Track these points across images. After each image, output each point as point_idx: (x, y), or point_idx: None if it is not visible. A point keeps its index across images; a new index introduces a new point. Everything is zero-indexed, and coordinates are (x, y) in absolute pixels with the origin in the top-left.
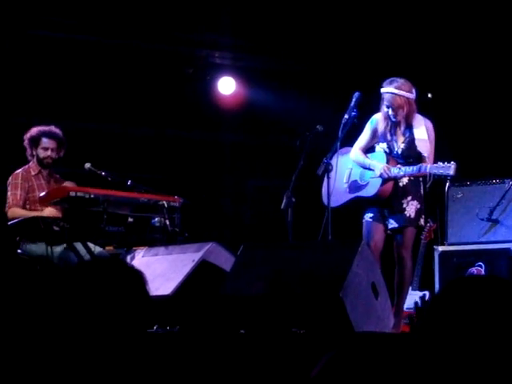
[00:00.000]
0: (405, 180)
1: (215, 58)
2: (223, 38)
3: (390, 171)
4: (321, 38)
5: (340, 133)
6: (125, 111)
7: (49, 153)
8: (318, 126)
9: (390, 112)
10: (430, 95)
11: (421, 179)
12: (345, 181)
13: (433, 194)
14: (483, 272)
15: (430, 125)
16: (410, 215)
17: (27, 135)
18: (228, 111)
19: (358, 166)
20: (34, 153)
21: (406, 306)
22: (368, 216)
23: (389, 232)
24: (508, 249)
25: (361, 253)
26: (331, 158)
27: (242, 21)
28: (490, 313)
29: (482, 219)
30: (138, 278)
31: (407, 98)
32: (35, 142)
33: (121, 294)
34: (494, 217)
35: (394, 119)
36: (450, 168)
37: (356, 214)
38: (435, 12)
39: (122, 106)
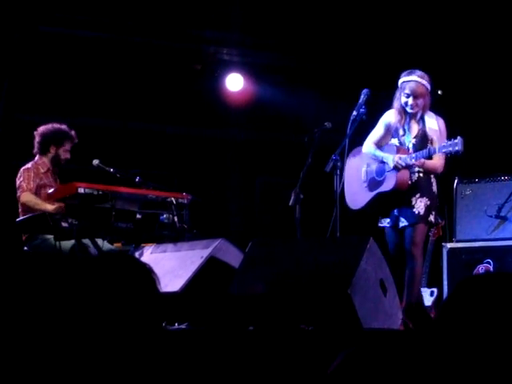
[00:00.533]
0: (414, 177)
1: (223, 54)
2: (231, 35)
3: (401, 160)
4: (329, 35)
5: (348, 130)
6: (133, 108)
7: (68, 155)
8: (326, 123)
9: (410, 101)
10: (440, 92)
11: (432, 176)
12: (363, 179)
13: (441, 190)
14: (491, 269)
15: (441, 122)
16: (419, 212)
17: (47, 131)
18: (236, 108)
19: (372, 163)
20: (52, 150)
21: None
22: (386, 222)
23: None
24: None
25: (369, 249)
26: (339, 155)
27: (250, 17)
28: (501, 310)
29: (491, 216)
30: (148, 275)
31: (427, 89)
32: (59, 141)
33: (132, 290)
34: (502, 214)
35: (411, 110)
36: (457, 144)
37: (363, 211)
38: (444, 9)
39: (130, 102)
